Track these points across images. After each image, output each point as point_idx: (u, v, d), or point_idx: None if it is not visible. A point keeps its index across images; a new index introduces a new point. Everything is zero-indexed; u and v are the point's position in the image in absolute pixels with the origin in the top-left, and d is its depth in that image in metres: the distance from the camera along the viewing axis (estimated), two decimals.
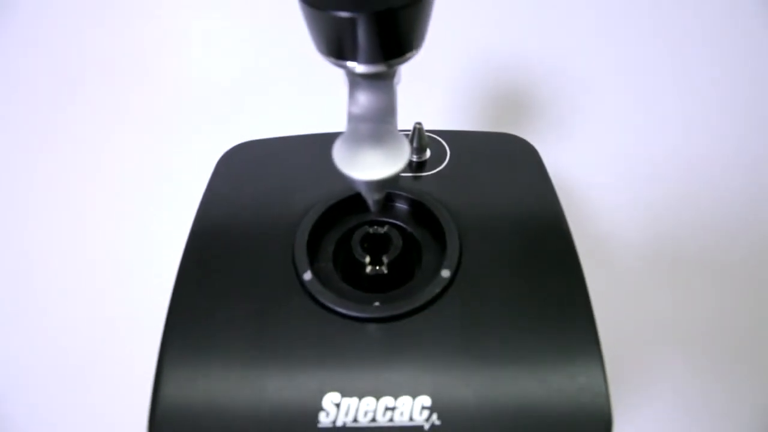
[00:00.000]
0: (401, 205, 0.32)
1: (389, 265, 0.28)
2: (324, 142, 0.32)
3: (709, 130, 0.53)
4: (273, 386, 0.24)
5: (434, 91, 0.54)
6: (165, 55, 0.61)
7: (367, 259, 0.28)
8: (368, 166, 0.22)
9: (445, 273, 0.27)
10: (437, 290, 0.26)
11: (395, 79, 0.23)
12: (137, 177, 0.51)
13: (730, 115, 0.54)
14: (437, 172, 0.33)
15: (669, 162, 0.50)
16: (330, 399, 0.23)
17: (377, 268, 0.28)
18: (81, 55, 0.61)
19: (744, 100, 0.55)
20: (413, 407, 0.23)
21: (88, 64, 0.60)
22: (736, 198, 0.48)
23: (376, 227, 0.29)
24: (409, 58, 0.22)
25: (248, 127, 0.41)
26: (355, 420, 0.23)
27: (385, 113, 0.23)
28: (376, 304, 0.26)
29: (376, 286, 0.28)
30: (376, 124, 0.23)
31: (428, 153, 0.34)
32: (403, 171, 0.23)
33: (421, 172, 0.33)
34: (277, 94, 0.57)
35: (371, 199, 0.25)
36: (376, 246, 0.28)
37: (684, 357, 0.38)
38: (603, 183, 0.49)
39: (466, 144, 0.35)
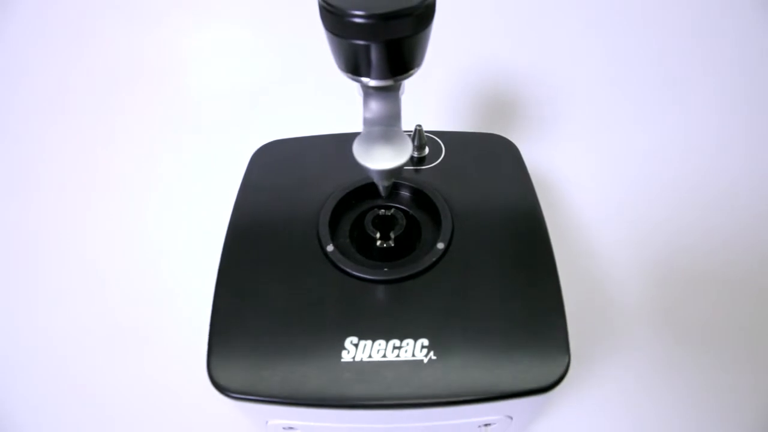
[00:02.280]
0: (405, 193, 0.38)
1: (395, 240, 0.34)
2: (341, 140, 0.39)
3: (696, 130, 0.55)
4: (305, 332, 0.30)
5: (432, 98, 0.58)
6: (167, 60, 0.63)
7: (378, 235, 0.34)
8: (380, 159, 0.28)
9: (440, 245, 0.33)
10: (434, 259, 0.33)
11: (400, 91, 0.29)
12: (138, 177, 0.52)
13: (715, 117, 0.56)
14: (434, 166, 0.39)
15: (651, 159, 0.53)
16: (350, 341, 0.29)
17: (385, 243, 0.34)
18: (84, 58, 0.62)
19: (730, 102, 0.57)
20: (415, 347, 0.29)
21: (94, 66, 0.61)
22: (723, 197, 0.49)
23: (384, 210, 0.35)
24: (411, 74, 0.27)
25: (248, 130, 0.43)
26: (370, 356, 0.29)
27: (393, 118, 0.29)
28: (385, 269, 0.32)
29: (384, 256, 0.34)
30: (386, 127, 0.29)
31: (427, 150, 0.40)
32: (407, 164, 0.29)
33: (421, 165, 0.39)
34: (274, 97, 0.59)
35: (382, 185, 0.31)
36: (385, 225, 0.35)
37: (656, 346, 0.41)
38: (581, 176, 0.53)
39: (459, 142, 0.41)
